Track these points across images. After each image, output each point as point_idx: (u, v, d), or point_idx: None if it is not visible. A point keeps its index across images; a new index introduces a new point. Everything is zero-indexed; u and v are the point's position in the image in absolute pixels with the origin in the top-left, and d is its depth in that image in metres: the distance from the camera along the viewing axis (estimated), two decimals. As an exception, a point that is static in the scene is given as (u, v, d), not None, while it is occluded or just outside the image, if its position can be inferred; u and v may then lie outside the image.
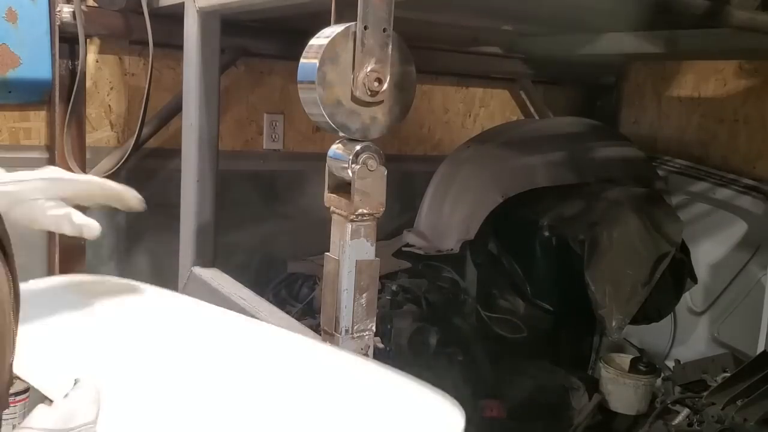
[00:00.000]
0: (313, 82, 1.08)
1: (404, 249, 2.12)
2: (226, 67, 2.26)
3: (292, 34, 1.96)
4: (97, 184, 1.06)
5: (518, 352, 2.26)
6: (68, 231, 1.01)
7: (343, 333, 1.13)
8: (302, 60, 1.11)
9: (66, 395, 0.80)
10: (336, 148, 1.16)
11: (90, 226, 1.02)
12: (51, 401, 0.76)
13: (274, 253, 2.48)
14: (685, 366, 2.26)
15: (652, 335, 2.58)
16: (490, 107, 2.95)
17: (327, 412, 0.82)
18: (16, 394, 1.60)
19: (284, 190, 2.51)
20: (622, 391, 2.13)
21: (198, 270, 1.82)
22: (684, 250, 2.08)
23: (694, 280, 2.14)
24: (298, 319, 1.69)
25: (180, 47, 1.87)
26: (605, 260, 1.90)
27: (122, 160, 2.08)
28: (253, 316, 1.43)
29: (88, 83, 2.15)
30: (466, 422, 0.77)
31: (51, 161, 2.14)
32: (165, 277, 1.90)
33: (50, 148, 2.14)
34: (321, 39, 1.09)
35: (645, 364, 2.15)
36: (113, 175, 2.13)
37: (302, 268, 2.38)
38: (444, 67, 2.71)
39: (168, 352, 0.99)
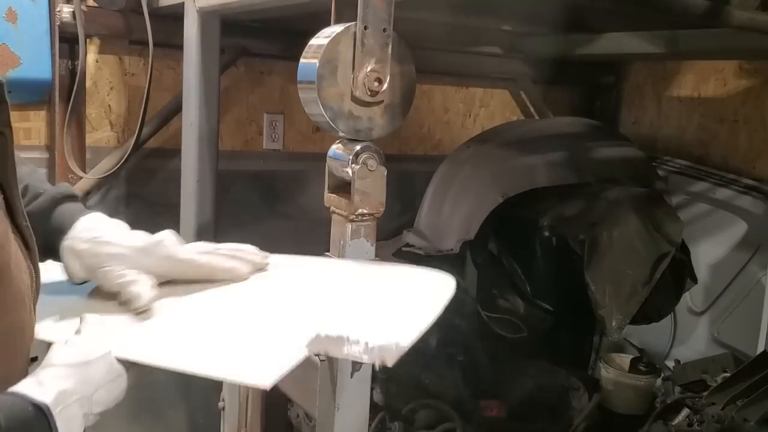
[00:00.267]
0: (313, 82, 1.08)
1: (404, 249, 2.12)
2: (226, 67, 2.26)
3: (292, 34, 1.96)
4: (196, 268, 1.04)
5: (518, 352, 2.25)
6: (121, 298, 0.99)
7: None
8: (302, 60, 1.11)
9: (77, 331, 0.84)
10: (336, 148, 1.16)
11: (136, 300, 0.98)
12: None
13: (274, 253, 2.47)
14: (685, 366, 2.26)
15: (652, 335, 2.58)
16: (490, 107, 2.94)
17: (364, 286, 1.08)
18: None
19: (284, 190, 2.51)
20: (622, 391, 2.13)
21: (198, 270, 1.82)
22: (684, 250, 2.07)
23: (694, 280, 2.13)
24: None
25: (180, 47, 1.88)
26: (605, 260, 1.90)
27: (122, 160, 2.08)
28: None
29: (88, 83, 2.15)
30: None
31: (51, 161, 2.14)
32: (165, 277, 1.89)
33: (50, 148, 2.14)
34: (321, 39, 1.09)
35: (645, 364, 2.15)
36: (113, 175, 2.14)
37: (302, 268, 2.38)
38: (444, 67, 2.70)
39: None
